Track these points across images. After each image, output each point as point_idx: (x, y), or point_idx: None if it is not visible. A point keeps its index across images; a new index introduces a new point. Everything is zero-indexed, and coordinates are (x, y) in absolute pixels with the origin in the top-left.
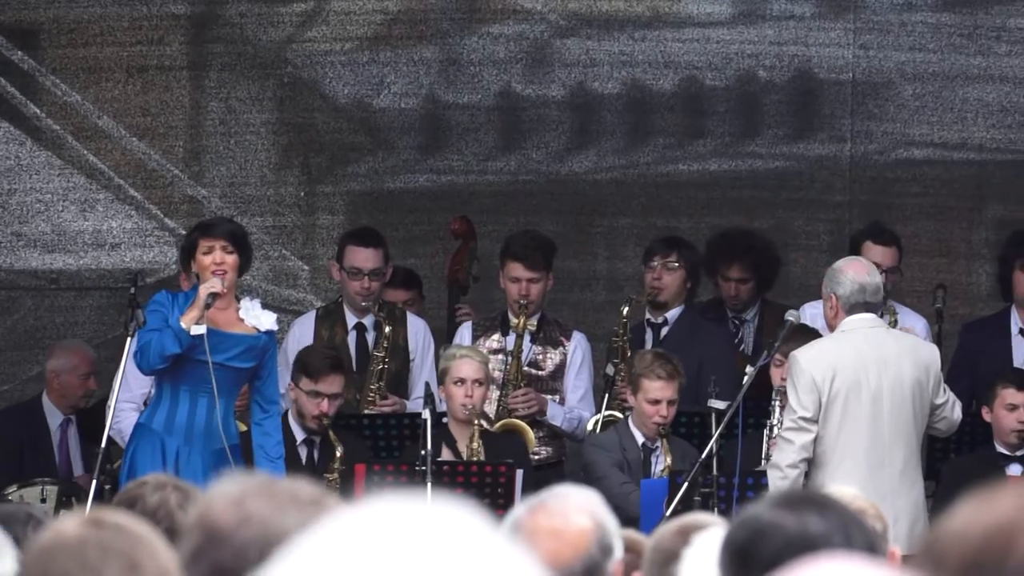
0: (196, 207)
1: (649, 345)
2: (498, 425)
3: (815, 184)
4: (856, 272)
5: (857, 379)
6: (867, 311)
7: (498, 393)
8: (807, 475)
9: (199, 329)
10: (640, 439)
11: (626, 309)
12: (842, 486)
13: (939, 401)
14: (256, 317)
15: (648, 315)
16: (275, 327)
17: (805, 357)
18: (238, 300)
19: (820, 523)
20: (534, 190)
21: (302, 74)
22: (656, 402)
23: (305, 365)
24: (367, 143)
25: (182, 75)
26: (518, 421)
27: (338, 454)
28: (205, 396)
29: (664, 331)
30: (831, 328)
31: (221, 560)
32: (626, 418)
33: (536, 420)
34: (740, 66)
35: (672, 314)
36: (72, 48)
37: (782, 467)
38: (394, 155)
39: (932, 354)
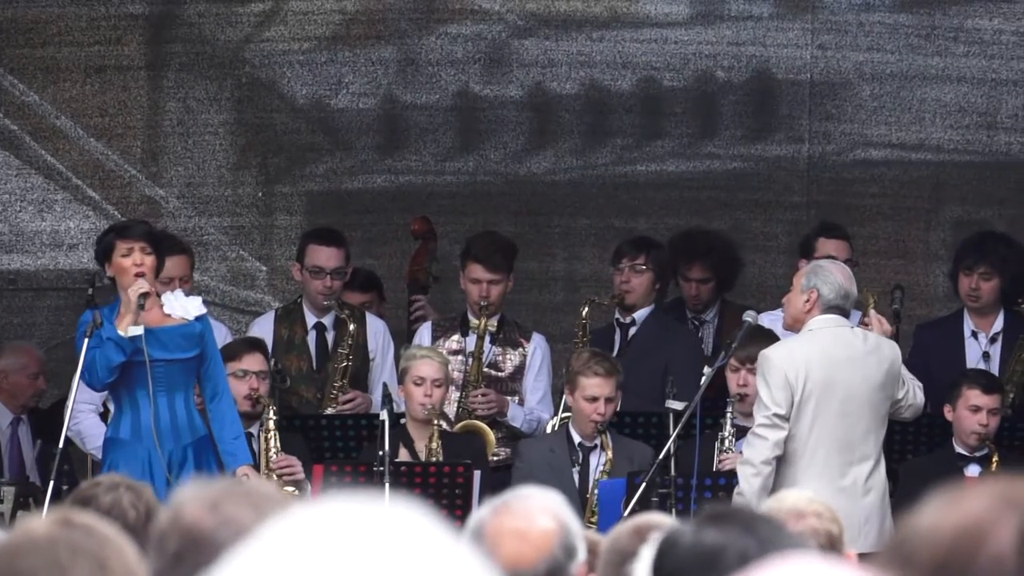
0: (154, 207)
1: (617, 346)
2: (459, 426)
3: (773, 185)
4: (844, 278)
5: (828, 378)
6: (839, 314)
7: (458, 394)
8: (777, 473)
9: (136, 330)
10: (577, 439)
11: (585, 310)
12: (800, 489)
13: (899, 395)
14: (182, 307)
15: (617, 315)
16: (204, 310)
17: (777, 354)
18: (159, 297)
19: (743, 540)
20: (492, 191)
21: (260, 74)
22: (594, 399)
23: (224, 351)
24: (325, 143)
25: (140, 75)
26: (479, 422)
27: (272, 410)
28: (162, 395)
29: (632, 331)
30: (792, 323)
31: (204, 563)
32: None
33: (496, 421)
34: (698, 67)
35: (640, 315)
36: (30, 48)
37: (755, 463)
38: (352, 155)
39: (894, 350)
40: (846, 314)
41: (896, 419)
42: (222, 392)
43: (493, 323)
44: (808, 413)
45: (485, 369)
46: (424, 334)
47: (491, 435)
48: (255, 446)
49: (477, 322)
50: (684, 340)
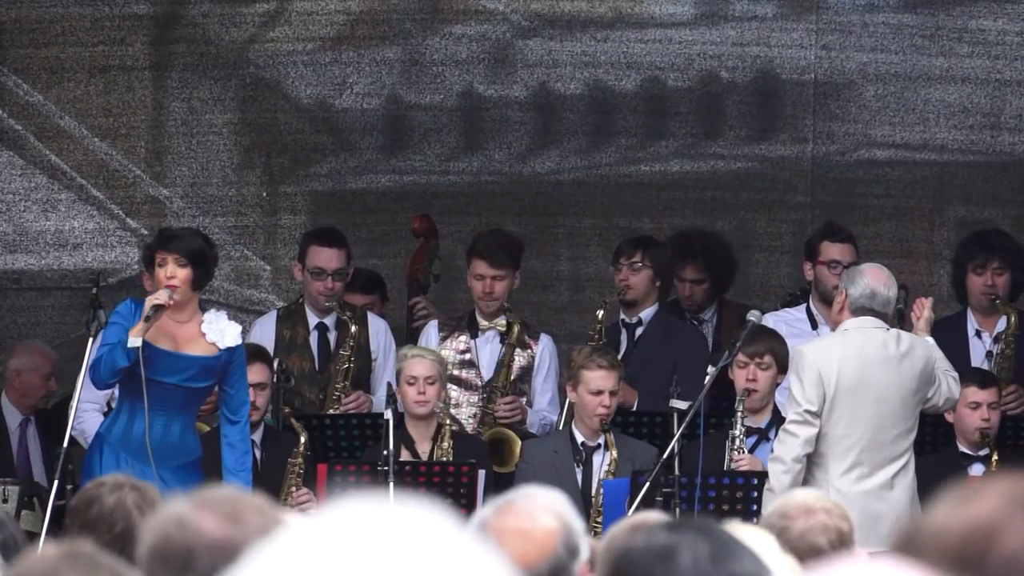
0: (158, 207)
1: (624, 345)
2: (488, 433)
3: (777, 185)
4: (873, 278)
5: (861, 378)
6: (873, 316)
7: (474, 398)
8: (808, 473)
9: (135, 342)
10: (580, 439)
11: (601, 313)
12: (809, 490)
13: (930, 394)
14: (219, 332)
15: (623, 315)
16: (238, 341)
17: (812, 351)
18: (203, 311)
19: (696, 541)
20: (496, 191)
21: (264, 74)
22: (598, 392)
23: None
24: (329, 143)
25: (144, 75)
26: (507, 431)
27: (303, 440)
28: (161, 414)
29: (639, 331)
30: (833, 327)
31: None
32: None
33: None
34: (702, 67)
35: (646, 314)
36: (34, 48)
37: (786, 461)
38: (356, 155)
39: (927, 350)
40: (882, 316)
41: (931, 413)
42: (240, 420)
43: (502, 323)
44: (840, 413)
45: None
46: (431, 334)
47: (518, 443)
48: (257, 455)
49: (487, 323)
50: (691, 339)
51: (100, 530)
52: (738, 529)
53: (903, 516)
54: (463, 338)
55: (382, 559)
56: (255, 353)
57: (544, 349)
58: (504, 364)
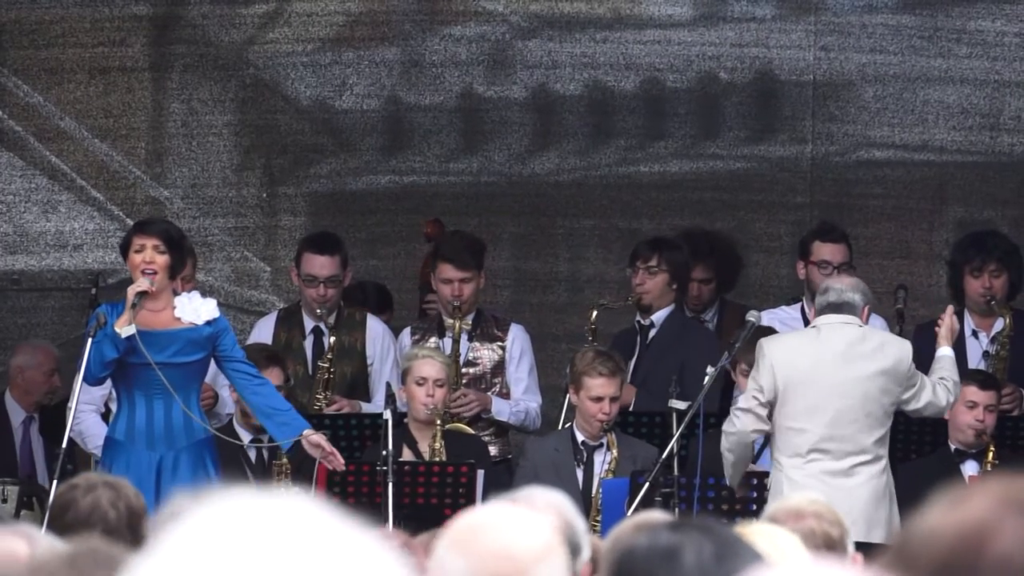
0: (158, 208)
1: (638, 347)
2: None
3: (776, 186)
4: (831, 281)
5: (815, 371)
6: (835, 313)
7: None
8: (780, 469)
9: (128, 330)
10: (581, 438)
11: (595, 314)
12: (804, 492)
13: (906, 396)
14: (194, 311)
15: (638, 317)
16: (216, 314)
17: (768, 344)
18: (174, 296)
19: (699, 540)
20: (496, 191)
21: (264, 75)
22: (599, 399)
23: None
24: (329, 144)
25: (144, 76)
26: (460, 425)
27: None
28: (159, 398)
29: (652, 333)
30: None
31: None
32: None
33: (481, 418)
34: (701, 68)
35: (659, 316)
36: (34, 49)
37: (730, 433)
38: (356, 156)
39: (901, 350)
40: (842, 310)
41: (917, 416)
42: (257, 374)
43: (468, 321)
44: (793, 406)
45: (464, 369)
46: (403, 338)
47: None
48: (265, 456)
49: (451, 322)
50: (699, 338)
51: (81, 534)
52: (759, 530)
53: (882, 504)
54: (432, 339)
55: (262, 556)
56: (268, 357)
57: (514, 339)
58: (452, 360)
